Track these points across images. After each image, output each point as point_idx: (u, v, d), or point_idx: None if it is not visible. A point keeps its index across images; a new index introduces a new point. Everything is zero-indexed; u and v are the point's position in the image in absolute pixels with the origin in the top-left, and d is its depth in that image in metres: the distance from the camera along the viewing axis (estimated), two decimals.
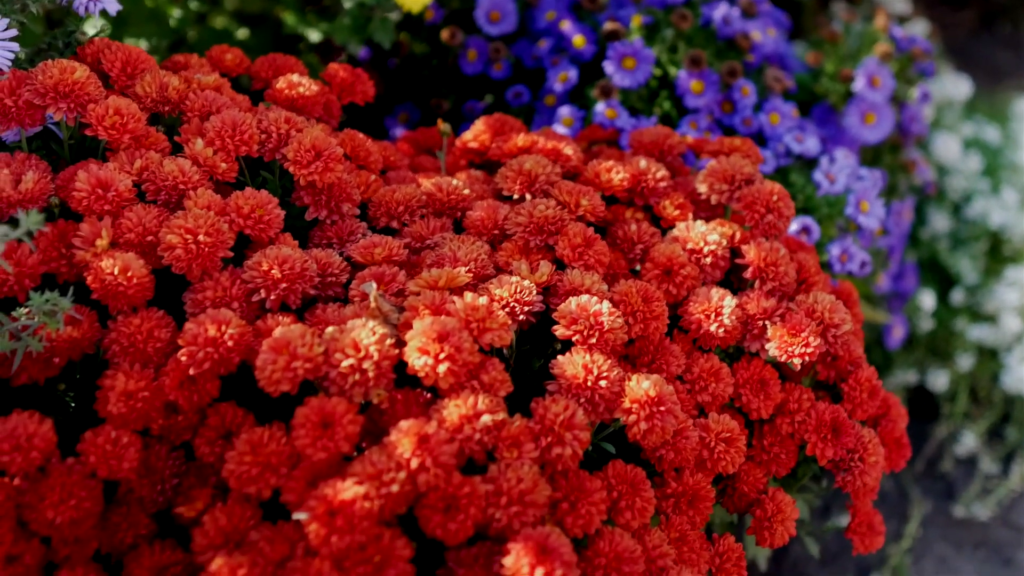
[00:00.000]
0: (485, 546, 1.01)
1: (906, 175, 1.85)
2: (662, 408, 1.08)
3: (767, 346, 1.22)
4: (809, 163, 1.61)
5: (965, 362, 2.05)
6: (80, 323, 1.05)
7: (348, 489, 0.95)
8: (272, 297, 1.09)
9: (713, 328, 1.22)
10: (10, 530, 1.00)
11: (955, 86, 2.19)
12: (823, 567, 1.86)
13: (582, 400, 1.07)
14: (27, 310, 1.02)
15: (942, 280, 2.11)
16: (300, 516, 0.96)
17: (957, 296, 2.07)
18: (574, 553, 0.99)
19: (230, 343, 1.03)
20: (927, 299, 1.99)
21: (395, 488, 0.97)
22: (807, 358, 1.20)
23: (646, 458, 1.15)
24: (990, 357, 2.08)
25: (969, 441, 2.04)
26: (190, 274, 1.09)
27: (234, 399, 1.08)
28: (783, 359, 1.21)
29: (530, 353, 1.19)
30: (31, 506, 0.99)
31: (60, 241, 1.08)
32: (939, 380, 2.06)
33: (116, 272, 1.05)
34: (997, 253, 2.11)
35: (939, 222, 2.08)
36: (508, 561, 0.97)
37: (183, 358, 1.03)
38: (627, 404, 1.07)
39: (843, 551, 1.90)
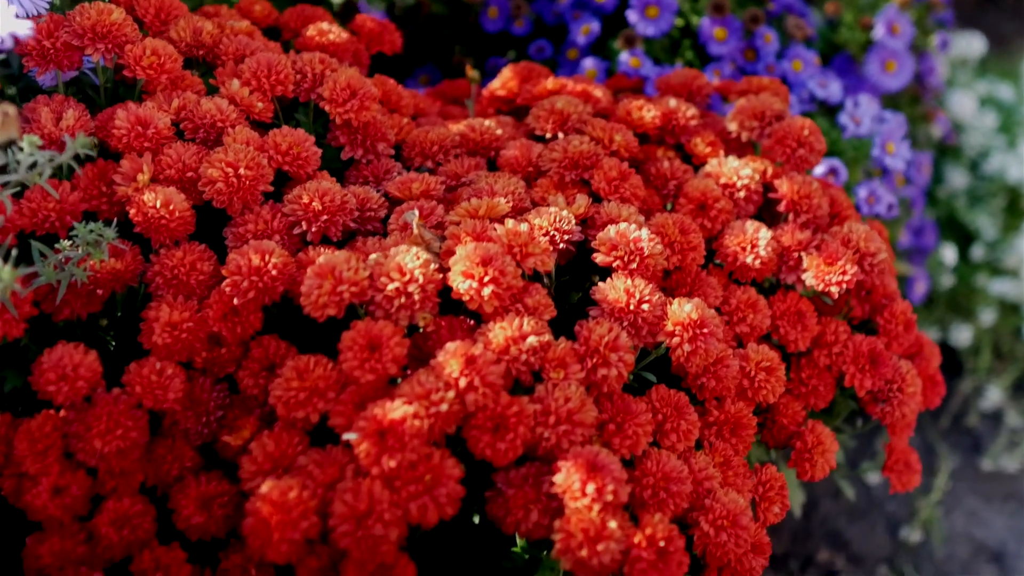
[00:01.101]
0: (534, 466, 1.01)
1: (925, 125, 1.86)
2: (705, 330, 1.08)
3: (803, 276, 1.22)
4: (832, 110, 1.61)
5: (987, 317, 2.05)
6: (123, 255, 1.06)
7: (397, 409, 0.95)
8: (314, 229, 1.09)
9: (749, 260, 1.22)
10: (57, 461, 1.00)
11: (968, 45, 2.20)
12: (852, 522, 1.86)
13: (625, 324, 1.07)
14: (70, 243, 1.02)
15: (961, 237, 2.11)
16: (350, 436, 0.96)
17: (977, 252, 2.08)
18: (624, 470, 0.99)
19: (274, 272, 1.03)
20: (948, 253, 1.99)
21: (444, 407, 0.97)
22: (844, 286, 1.20)
23: (687, 387, 1.15)
24: (1012, 311, 2.08)
25: (994, 396, 2.04)
26: (231, 208, 1.09)
27: (276, 333, 1.08)
28: (820, 288, 1.21)
29: (568, 285, 1.19)
30: (78, 436, 0.99)
31: (100, 179, 1.09)
32: (962, 335, 2.06)
33: (158, 205, 1.05)
34: (1015, 208, 2.11)
35: (956, 179, 2.08)
36: (559, 478, 0.97)
37: (227, 288, 1.04)
38: (670, 327, 1.07)
39: (872, 507, 1.89)
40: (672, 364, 1.09)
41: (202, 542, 1.06)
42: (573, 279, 1.20)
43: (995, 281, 2.05)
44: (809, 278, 1.22)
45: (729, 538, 1.04)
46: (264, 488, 0.95)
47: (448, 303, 1.06)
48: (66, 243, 1.03)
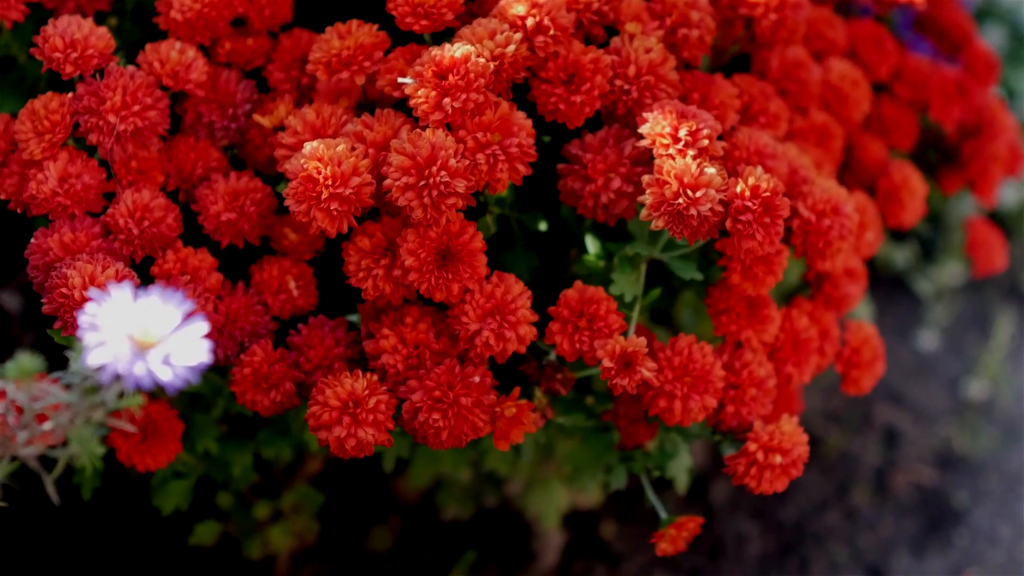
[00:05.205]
0: (613, 129, 0.88)
1: None
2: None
3: None
4: None
5: None
6: None
7: (458, 49, 0.83)
8: None
9: None
10: (65, 145, 0.87)
11: None
12: (911, 382, 1.73)
13: None
14: None
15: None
16: (405, 81, 0.84)
17: (1022, 112, 1.97)
18: (718, 123, 0.86)
19: None
20: None
21: (511, 49, 0.84)
22: None
23: None
24: None
25: None
26: None
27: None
28: None
29: None
30: (90, 111, 0.86)
31: None
32: (1008, 198, 1.95)
33: None
34: None
35: (993, 37, 1.98)
36: (646, 127, 0.84)
37: None
38: None
39: (929, 369, 1.77)
40: (755, 38, 0.97)
41: (233, 253, 0.92)
42: None
43: None
44: None
45: (832, 224, 0.91)
46: (307, 147, 0.82)
47: None
48: None
